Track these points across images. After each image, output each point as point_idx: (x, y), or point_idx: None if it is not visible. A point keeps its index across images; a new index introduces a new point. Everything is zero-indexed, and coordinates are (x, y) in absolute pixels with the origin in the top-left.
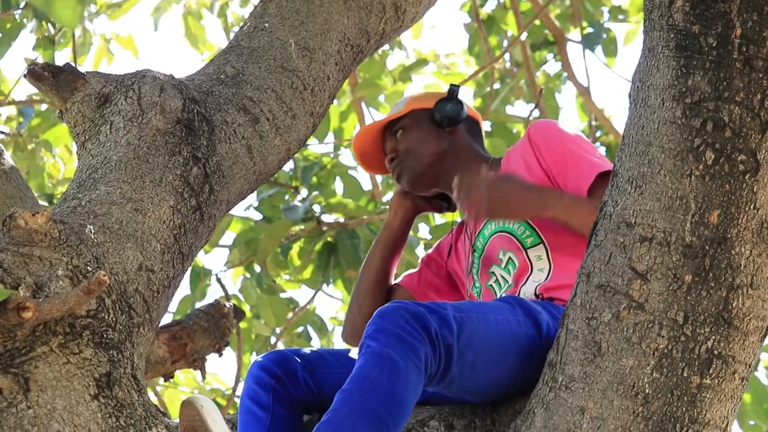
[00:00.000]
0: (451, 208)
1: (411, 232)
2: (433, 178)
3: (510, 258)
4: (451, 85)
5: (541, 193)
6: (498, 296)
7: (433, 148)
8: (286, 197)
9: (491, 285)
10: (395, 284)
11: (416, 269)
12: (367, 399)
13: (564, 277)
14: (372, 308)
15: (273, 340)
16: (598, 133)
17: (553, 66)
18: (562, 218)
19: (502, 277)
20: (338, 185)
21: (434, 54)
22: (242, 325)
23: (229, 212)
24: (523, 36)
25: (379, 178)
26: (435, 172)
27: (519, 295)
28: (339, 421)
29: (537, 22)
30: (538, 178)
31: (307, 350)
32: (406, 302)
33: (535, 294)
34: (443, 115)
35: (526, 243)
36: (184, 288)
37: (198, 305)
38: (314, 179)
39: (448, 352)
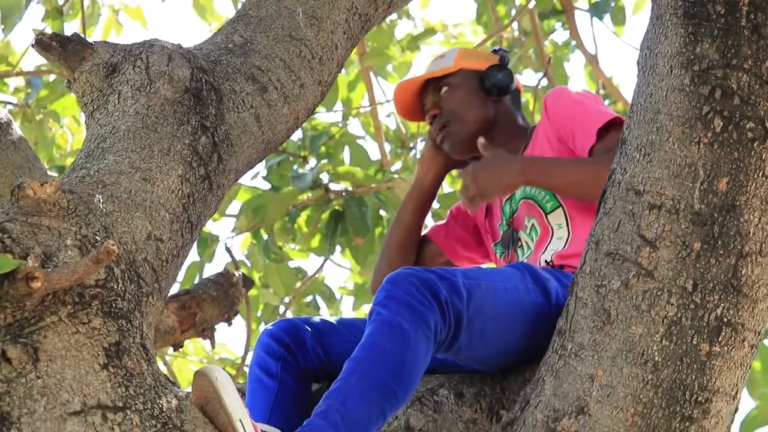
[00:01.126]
0: None
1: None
2: (475, 145)
3: (533, 224)
4: (501, 50)
5: (516, 162)
6: (520, 259)
7: (479, 115)
8: (295, 166)
9: (515, 250)
10: (423, 236)
11: (444, 221)
12: (377, 368)
13: (581, 246)
14: (403, 263)
15: (282, 309)
16: (606, 102)
17: (561, 35)
18: (540, 181)
19: (526, 243)
20: (346, 155)
21: (442, 24)
22: (251, 293)
23: (238, 181)
24: (531, 4)
25: (387, 147)
26: (477, 139)
27: (539, 262)
28: (349, 390)
29: None
30: (557, 148)
31: (317, 319)
32: (417, 269)
33: (547, 261)
34: (494, 84)
35: (546, 207)
36: (191, 253)
37: (207, 274)
38: (323, 148)
39: (457, 320)
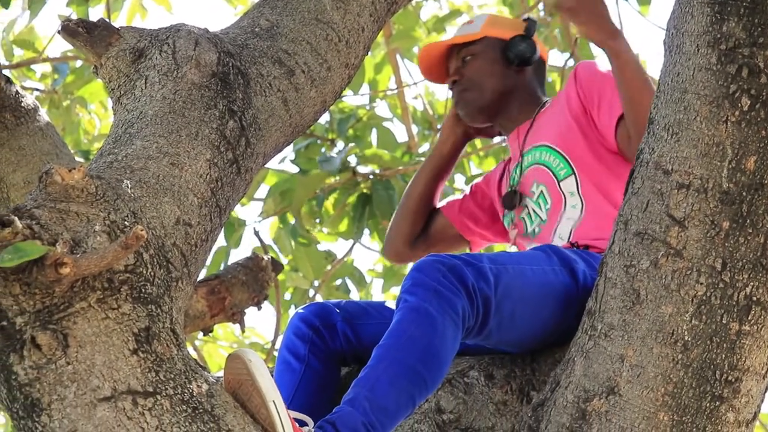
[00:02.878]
0: (505, 134)
1: (447, 183)
2: (491, 114)
3: (542, 191)
4: (529, 19)
5: (619, 32)
6: (528, 229)
7: (498, 85)
8: (323, 150)
9: (523, 217)
10: (437, 209)
11: (460, 196)
12: (405, 354)
13: (597, 218)
14: (412, 230)
15: (311, 292)
16: None
17: None
18: (623, 50)
19: (534, 211)
20: (374, 137)
21: (467, 5)
22: (280, 278)
23: (265, 165)
24: None
25: (414, 129)
26: (494, 108)
27: (555, 235)
28: (377, 377)
29: None
30: (575, 113)
31: (348, 302)
32: (443, 255)
33: (570, 242)
34: (516, 54)
35: (559, 174)
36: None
37: (234, 259)
38: (350, 131)
39: (485, 305)
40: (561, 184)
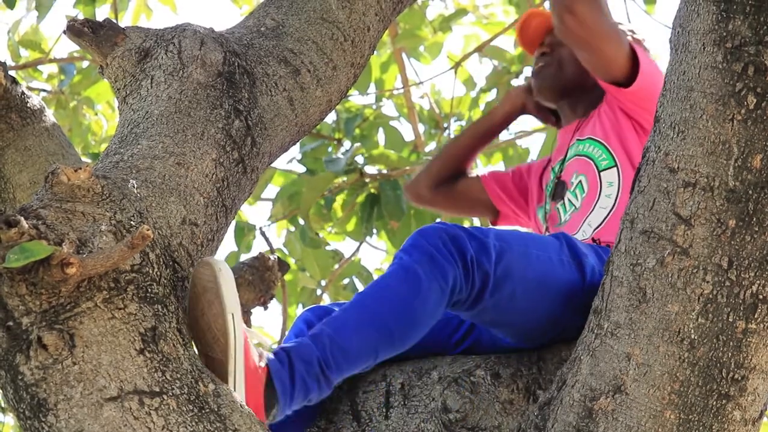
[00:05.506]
0: (559, 125)
1: None
2: (560, 96)
3: (581, 181)
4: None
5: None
6: (562, 219)
7: (577, 76)
8: (330, 149)
9: (558, 208)
10: (477, 175)
11: (501, 170)
12: (381, 306)
13: None
14: (441, 175)
15: (319, 292)
16: None
17: None
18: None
19: (569, 200)
20: (381, 137)
21: (473, 4)
22: (287, 277)
23: (272, 165)
24: None
25: (421, 128)
26: (566, 93)
27: (585, 223)
28: (345, 320)
29: None
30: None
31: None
32: (450, 224)
33: (593, 238)
34: None
35: (600, 165)
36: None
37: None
38: (357, 131)
39: (483, 280)
40: (602, 174)
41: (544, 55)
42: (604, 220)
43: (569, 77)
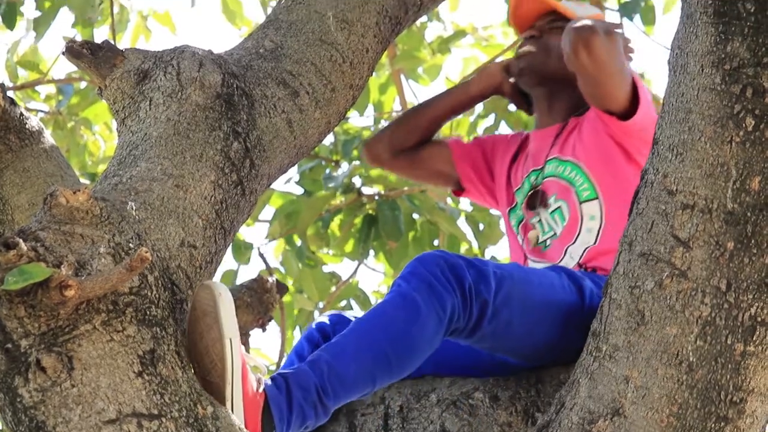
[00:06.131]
0: (530, 112)
1: (452, 204)
2: (539, 83)
3: (560, 207)
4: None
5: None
6: (540, 239)
7: (562, 70)
8: (327, 171)
9: (534, 222)
10: (445, 144)
11: (466, 140)
12: (379, 334)
13: (612, 242)
14: (403, 140)
15: (316, 314)
16: None
17: None
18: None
19: (547, 222)
20: None
21: (472, 26)
22: (285, 299)
23: (270, 186)
24: None
25: None
26: (546, 81)
27: (566, 254)
28: (344, 346)
29: None
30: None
31: (351, 314)
32: (449, 253)
33: (579, 264)
34: None
35: (581, 195)
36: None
37: (240, 280)
38: (355, 152)
39: (481, 309)
40: (582, 206)
41: (533, 38)
42: (584, 253)
43: (553, 67)
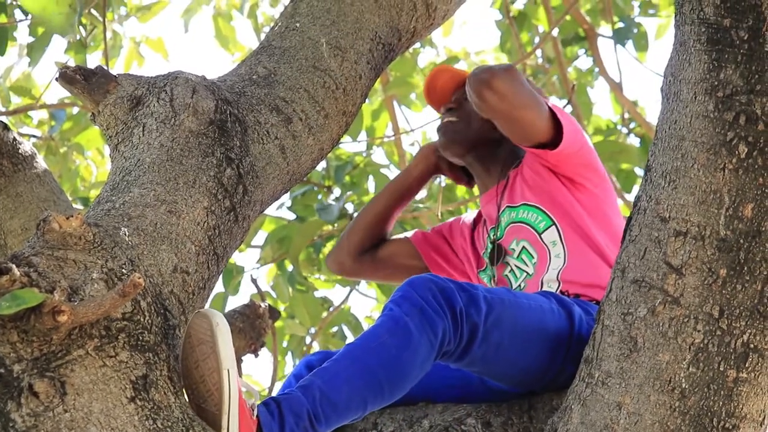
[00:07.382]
0: (470, 185)
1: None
2: (467, 151)
3: (524, 247)
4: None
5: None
6: (514, 285)
7: (485, 133)
8: (319, 196)
9: (506, 275)
10: (402, 237)
11: (428, 230)
12: (371, 358)
13: (580, 261)
14: (361, 243)
15: (308, 340)
16: (632, 125)
17: (584, 61)
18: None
19: (517, 267)
20: (371, 184)
21: (465, 51)
22: (277, 324)
23: (263, 212)
24: (555, 32)
25: None
26: (472, 148)
27: (543, 285)
28: (336, 371)
29: (568, 17)
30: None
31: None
32: (440, 277)
33: (561, 291)
34: None
35: (539, 227)
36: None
37: (232, 305)
38: (347, 178)
39: (472, 332)
40: (542, 236)
41: (451, 110)
42: (558, 277)
43: (476, 131)
